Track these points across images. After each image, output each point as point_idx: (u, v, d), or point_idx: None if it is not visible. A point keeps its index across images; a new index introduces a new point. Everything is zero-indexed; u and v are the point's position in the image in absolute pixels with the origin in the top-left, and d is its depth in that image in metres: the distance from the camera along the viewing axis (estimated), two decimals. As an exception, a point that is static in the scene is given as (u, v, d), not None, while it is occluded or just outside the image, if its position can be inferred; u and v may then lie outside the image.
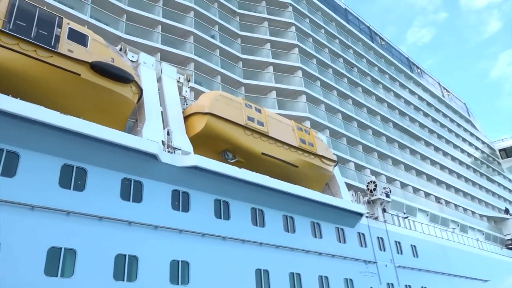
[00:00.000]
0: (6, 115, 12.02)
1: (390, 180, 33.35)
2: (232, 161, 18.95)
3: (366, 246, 23.67)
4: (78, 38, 14.62)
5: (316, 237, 20.87)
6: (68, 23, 14.71)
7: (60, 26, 14.29)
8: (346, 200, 23.20)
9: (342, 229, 22.55)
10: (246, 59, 28.87)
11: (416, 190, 36.00)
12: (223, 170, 16.96)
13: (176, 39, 25.04)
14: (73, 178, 13.44)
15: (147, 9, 24.71)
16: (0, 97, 11.96)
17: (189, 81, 20.18)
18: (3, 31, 12.71)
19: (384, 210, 26.76)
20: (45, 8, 14.71)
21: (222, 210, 17.29)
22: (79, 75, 14.08)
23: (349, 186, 26.24)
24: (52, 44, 13.68)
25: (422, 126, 44.57)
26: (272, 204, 19.24)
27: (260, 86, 28.25)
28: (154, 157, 15.07)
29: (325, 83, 32.75)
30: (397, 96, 43.42)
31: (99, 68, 14.50)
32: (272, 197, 19.02)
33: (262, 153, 19.33)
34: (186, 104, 19.60)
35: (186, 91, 19.78)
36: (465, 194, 44.08)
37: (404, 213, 29.70)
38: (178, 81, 19.42)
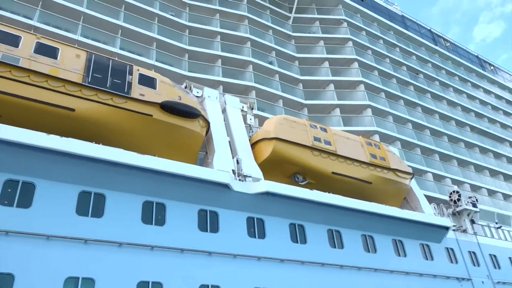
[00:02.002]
0: (93, 161, 13.10)
1: (475, 188, 30.97)
2: (302, 183, 18.79)
3: (457, 262, 21.89)
4: (148, 82, 15.70)
5: (399, 255, 19.73)
6: (138, 69, 15.89)
7: (131, 73, 15.48)
8: (428, 213, 21.80)
9: (427, 246, 21.12)
10: (305, 80, 28.99)
11: (506, 197, 33.02)
12: (295, 193, 16.84)
13: (236, 70, 25.95)
14: (153, 214, 14.13)
15: (206, 45, 26.10)
16: (86, 145, 13.10)
17: (252, 109, 20.64)
18: (83, 84, 14.03)
19: (472, 221, 24.70)
20: (116, 59, 16.07)
21: (298, 234, 17.07)
22: (151, 115, 15.03)
23: (430, 199, 24.69)
24: (126, 91, 14.81)
25: (504, 126, 41.14)
26: (349, 224, 18.63)
27: (323, 105, 28.08)
28: (226, 186, 15.41)
29: (390, 93, 31.69)
30: (471, 97, 40.72)
31: (169, 107, 15.37)
32: (348, 217, 18.44)
33: (333, 172, 18.95)
34: (252, 132, 19.98)
35: (250, 119, 20.23)
36: None
37: (496, 223, 27.17)
38: (242, 110, 19.95)
